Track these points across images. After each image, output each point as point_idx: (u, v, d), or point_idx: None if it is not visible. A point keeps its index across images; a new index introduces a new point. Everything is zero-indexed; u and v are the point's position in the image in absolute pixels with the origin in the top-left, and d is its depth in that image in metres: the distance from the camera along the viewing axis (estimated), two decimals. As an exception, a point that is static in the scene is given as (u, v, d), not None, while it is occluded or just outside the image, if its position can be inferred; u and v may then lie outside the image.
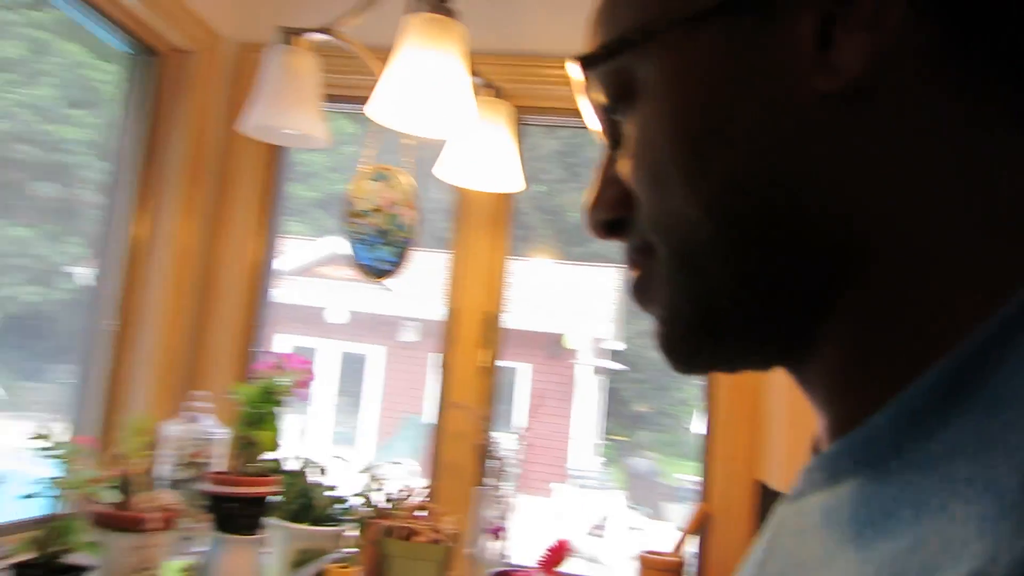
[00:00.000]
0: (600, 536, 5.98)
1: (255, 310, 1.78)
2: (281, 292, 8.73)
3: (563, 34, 1.72)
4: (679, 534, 1.52)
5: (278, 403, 1.34)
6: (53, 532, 1.01)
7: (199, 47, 1.71)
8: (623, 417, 13.00)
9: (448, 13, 1.19)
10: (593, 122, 0.41)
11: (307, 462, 1.43)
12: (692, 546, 1.55)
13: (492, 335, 1.77)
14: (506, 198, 1.75)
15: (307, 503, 1.36)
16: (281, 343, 9.30)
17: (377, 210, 1.39)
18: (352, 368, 9.79)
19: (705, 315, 0.35)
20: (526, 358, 9.59)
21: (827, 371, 0.34)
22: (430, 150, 1.40)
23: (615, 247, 0.40)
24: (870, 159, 0.31)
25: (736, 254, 0.34)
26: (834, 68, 0.31)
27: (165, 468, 1.40)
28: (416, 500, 1.58)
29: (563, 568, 1.46)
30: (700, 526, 1.56)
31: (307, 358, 1.48)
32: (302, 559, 1.30)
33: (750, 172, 0.33)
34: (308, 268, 9.41)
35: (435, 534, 1.43)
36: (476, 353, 1.76)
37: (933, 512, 0.25)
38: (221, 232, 1.76)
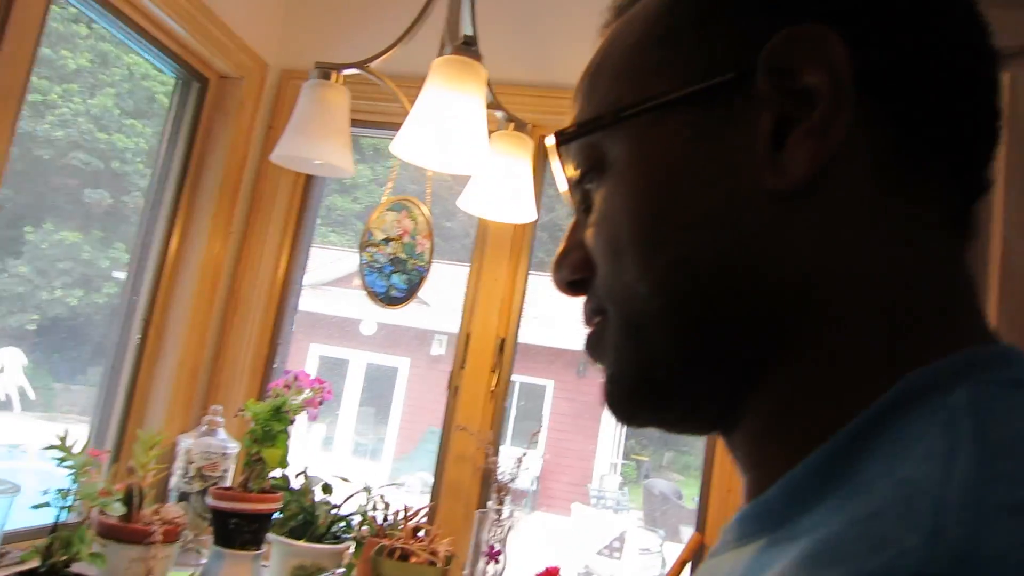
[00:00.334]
0: (616, 558, 5.94)
1: (277, 328, 1.84)
2: (316, 303, 8.86)
3: (585, 65, 1.75)
4: (675, 561, 1.53)
5: (289, 422, 1.38)
6: (59, 542, 1.06)
7: (245, 74, 1.78)
8: (646, 437, 12.89)
9: (473, 55, 1.23)
10: (564, 187, 0.43)
11: (312, 480, 1.46)
12: (687, 574, 1.56)
13: (503, 360, 1.80)
14: (526, 227, 1.78)
15: (309, 520, 1.39)
16: (314, 353, 9.44)
17: (394, 239, 1.43)
18: (381, 380, 9.88)
19: (646, 382, 0.38)
20: (552, 375, 9.58)
21: (749, 439, 0.37)
22: (460, 179, 1.45)
23: None
24: (807, 255, 0.34)
25: (679, 330, 0.36)
26: (783, 169, 0.34)
27: (177, 481, 1.44)
28: (415, 521, 1.61)
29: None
30: (694, 554, 1.57)
31: (322, 378, 1.51)
32: (300, 575, 1.33)
33: (698, 257, 0.36)
34: (345, 279, 9.55)
35: (430, 556, 1.45)
36: (486, 377, 1.78)
37: None
38: (249, 251, 1.82)
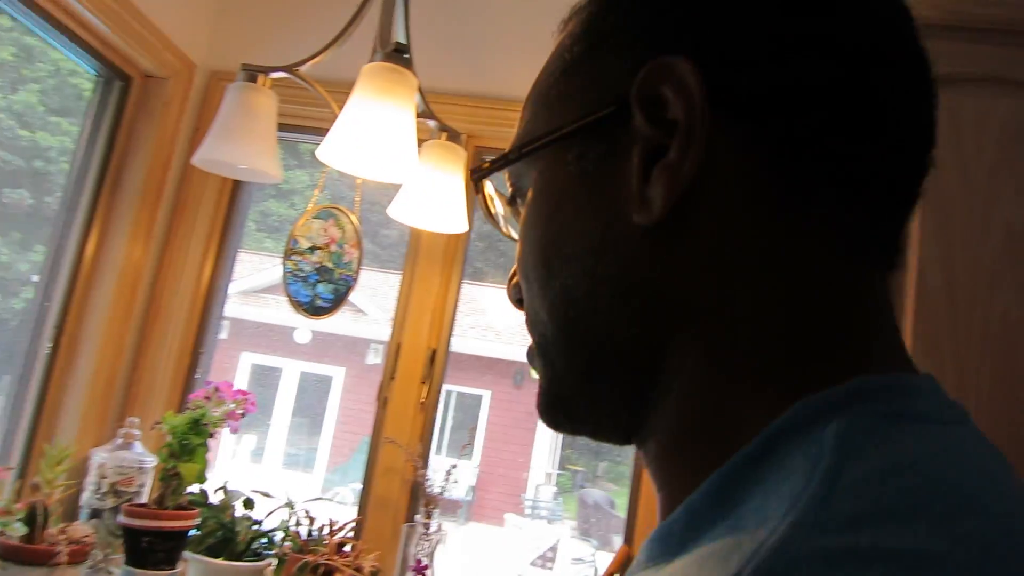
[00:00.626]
0: (549, 568, 5.95)
1: (200, 337, 1.78)
2: (249, 310, 8.65)
3: (524, 78, 1.76)
4: (603, 574, 1.54)
5: (208, 435, 1.33)
6: (-47, 565, 0.99)
7: (171, 74, 1.72)
8: (582, 447, 12.99)
9: (403, 63, 1.22)
10: (499, 209, 0.45)
11: (233, 495, 1.42)
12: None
13: (434, 371, 1.78)
14: (460, 237, 1.77)
15: (228, 537, 1.35)
16: (246, 362, 9.19)
17: (320, 248, 1.40)
18: (315, 389, 9.69)
19: (557, 397, 0.41)
20: (489, 385, 9.57)
21: (657, 458, 0.37)
22: (396, 186, 1.43)
23: None
24: (680, 288, 0.34)
25: (571, 354, 0.38)
26: (648, 204, 0.34)
27: (88, 497, 1.38)
28: (341, 536, 1.57)
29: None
30: (622, 567, 1.58)
31: (250, 388, 1.47)
32: (218, 595, 1.29)
33: (580, 287, 0.37)
34: (279, 286, 9.35)
35: (355, 572, 1.42)
36: (416, 388, 1.76)
37: None
38: (172, 257, 1.76)
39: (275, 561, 1.41)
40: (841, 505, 0.25)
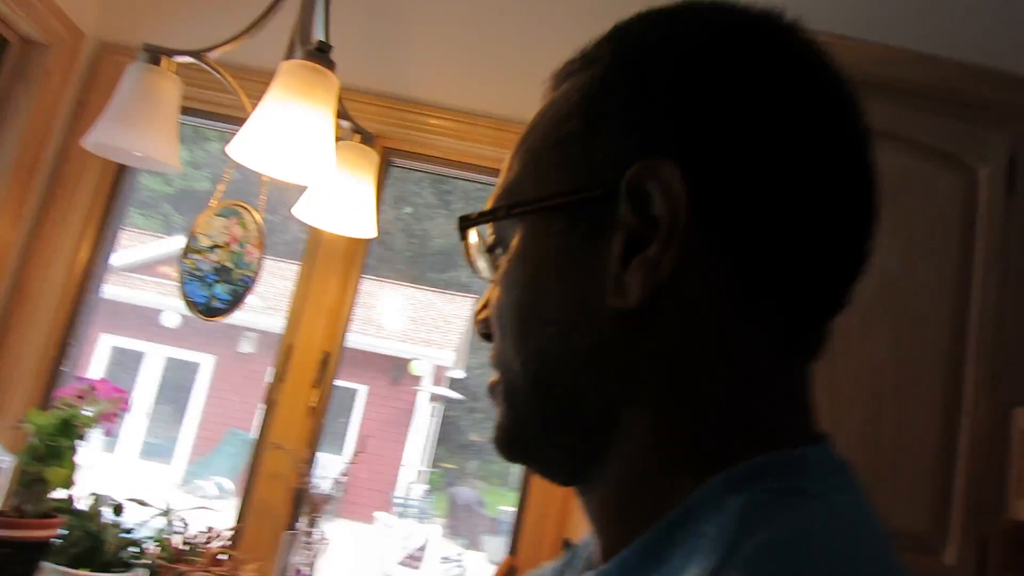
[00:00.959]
0: (416, 567, 5.92)
1: (71, 328, 1.65)
2: (113, 289, 8.08)
3: (441, 84, 1.75)
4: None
5: (79, 436, 1.24)
6: None
7: (54, 40, 1.58)
8: (454, 445, 13.03)
9: (327, 64, 1.18)
10: (469, 255, 0.47)
11: (101, 500, 1.32)
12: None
13: (326, 375, 1.73)
14: (361, 242, 1.73)
15: (95, 546, 1.26)
16: (105, 344, 8.58)
17: (221, 247, 1.33)
18: (180, 376, 9.18)
19: (516, 438, 0.44)
20: (366, 380, 9.42)
21: (597, 507, 0.42)
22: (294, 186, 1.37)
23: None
24: (634, 365, 0.39)
25: (538, 405, 0.42)
26: (624, 289, 0.38)
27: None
28: (218, 544, 1.50)
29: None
30: (505, 582, 1.59)
31: (113, 376, 1.37)
32: (81, 610, 1.20)
33: (551, 349, 0.40)
34: (148, 266, 8.78)
35: (236, 584, 1.36)
36: (307, 392, 1.71)
37: None
38: (44, 240, 1.62)
39: (146, 572, 1.33)
40: (737, 572, 0.31)
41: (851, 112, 0.41)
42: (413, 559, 5.92)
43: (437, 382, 10.50)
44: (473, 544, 7.74)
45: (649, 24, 0.42)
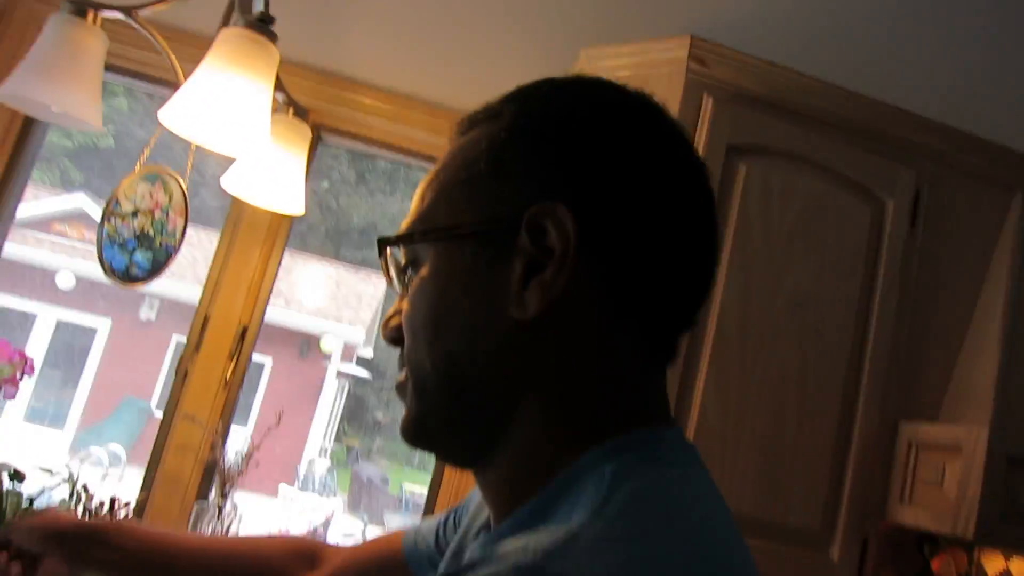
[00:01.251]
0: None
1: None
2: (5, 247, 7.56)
3: (379, 64, 1.73)
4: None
5: (-22, 399, 1.18)
6: None
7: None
8: (360, 422, 12.92)
9: (269, 36, 1.15)
10: (387, 271, 0.55)
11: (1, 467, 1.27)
12: None
13: (243, 348, 1.71)
14: (286, 217, 1.71)
15: (-6, 515, 1.21)
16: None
17: (143, 212, 1.29)
18: (74, 340, 8.72)
19: (423, 427, 0.52)
20: (271, 352, 9.20)
21: (493, 483, 0.51)
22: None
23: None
24: (535, 367, 0.48)
25: (445, 400, 0.50)
26: (523, 305, 0.46)
27: None
28: (123, 513, 1.47)
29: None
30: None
31: (18, 346, 1.32)
32: (-24, 580, 1.15)
33: (461, 353, 0.49)
34: (43, 223, 8.26)
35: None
36: (223, 364, 1.68)
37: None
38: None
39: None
40: (605, 517, 0.41)
41: (701, 177, 0.51)
42: (315, 533, 5.87)
43: (346, 359, 10.37)
44: (375, 520, 7.72)
45: (547, 92, 0.52)
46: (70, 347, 8.65)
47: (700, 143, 1.37)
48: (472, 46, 1.60)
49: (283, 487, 7.09)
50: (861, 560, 1.34)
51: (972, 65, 1.41)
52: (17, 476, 1.34)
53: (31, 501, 1.29)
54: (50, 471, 1.33)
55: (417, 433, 0.52)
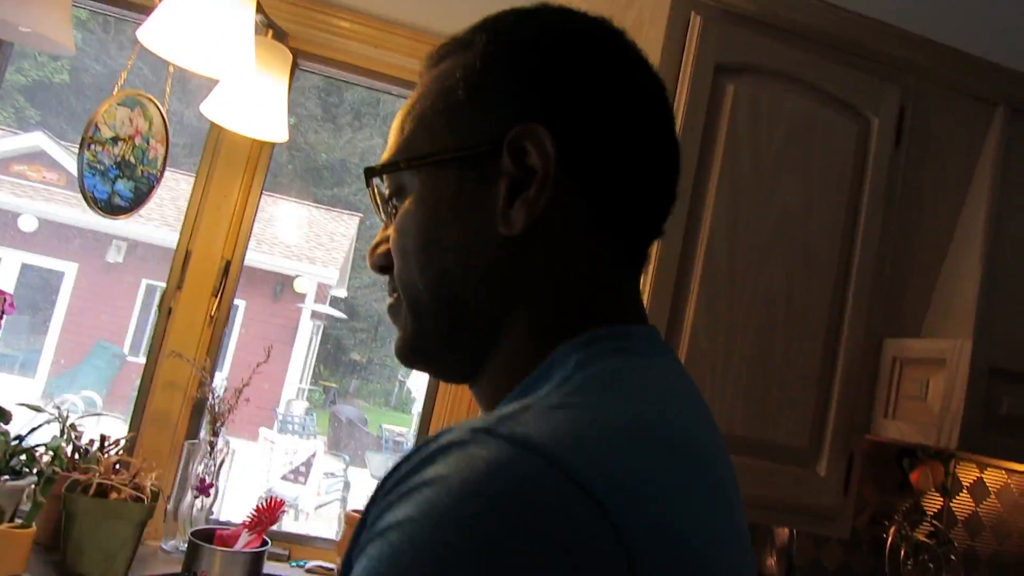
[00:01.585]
0: (301, 482, 5.94)
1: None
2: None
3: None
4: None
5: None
6: None
7: None
8: (336, 364, 12.94)
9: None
10: (375, 201, 0.57)
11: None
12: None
13: (227, 284, 1.68)
14: (266, 145, 1.66)
15: (-16, 453, 1.19)
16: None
17: (123, 139, 1.24)
18: (40, 285, 8.52)
19: (420, 347, 0.55)
20: (245, 296, 9.11)
21: (485, 388, 0.54)
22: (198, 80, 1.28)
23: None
24: (523, 278, 0.51)
25: (441, 316, 0.53)
26: (509, 221, 0.49)
27: None
28: (115, 452, 1.46)
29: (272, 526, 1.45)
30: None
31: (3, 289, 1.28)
32: (-28, 517, 1.15)
33: (453, 271, 0.52)
34: (1, 163, 7.97)
35: (134, 491, 1.33)
36: (207, 300, 1.66)
37: None
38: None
39: (39, 480, 1.28)
40: (560, 393, 0.44)
41: (662, 95, 0.55)
42: (297, 474, 5.93)
43: (320, 300, 10.31)
44: (356, 460, 7.81)
45: (515, 20, 0.54)
46: (36, 292, 8.48)
47: (688, 62, 1.35)
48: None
49: (263, 430, 7.12)
50: (847, 475, 1.38)
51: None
52: (2, 415, 1.32)
53: (19, 439, 1.28)
54: (38, 408, 1.31)
55: (415, 351, 0.55)
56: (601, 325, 0.50)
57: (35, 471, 1.30)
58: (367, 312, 12.25)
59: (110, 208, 1.26)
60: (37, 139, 8.35)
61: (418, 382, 9.03)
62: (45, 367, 8.27)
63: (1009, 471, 1.84)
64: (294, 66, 1.71)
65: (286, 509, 1.42)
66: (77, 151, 1.16)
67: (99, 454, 1.43)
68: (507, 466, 0.36)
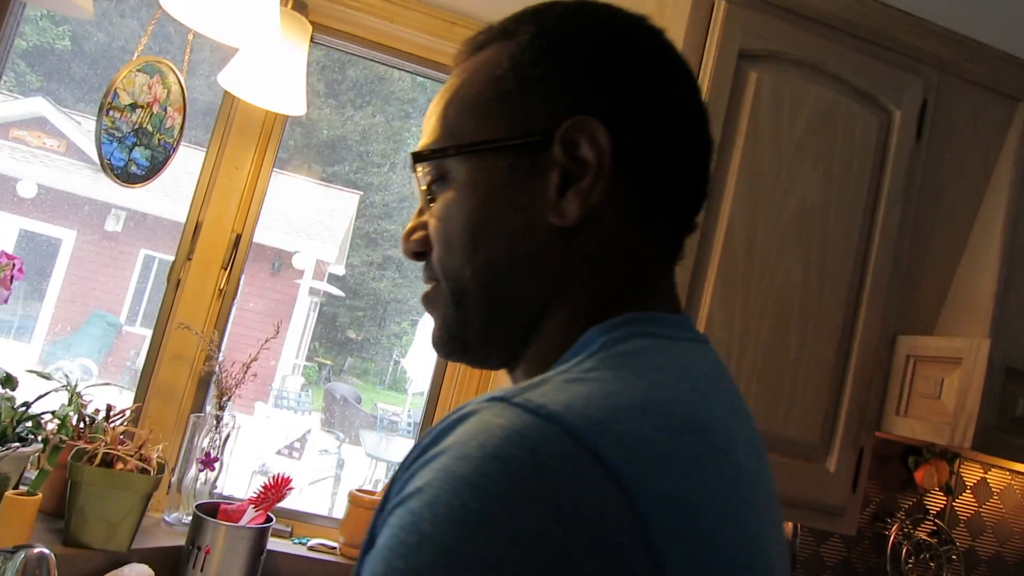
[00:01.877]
0: (296, 458, 5.95)
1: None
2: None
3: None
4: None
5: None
6: None
7: None
8: (332, 341, 12.93)
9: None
10: (417, 185, 0.57)
11: (-4, 372, 1.24)
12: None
13: (237, 257, 1.66)
14: (278, 116, 1.64)
15: (-9, 419, 1.18)
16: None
17: (142, 107, 1.21)
18: (37, 251, 8.47)
19: (461, 336, 0.55)
20: (244, 270, 9.07)
21: (525, 373, 0.54)
22: (215, 51, 1.26)
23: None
24: (571, 269, 0.51)
25: (485, 304, 0.53)
26: (561, 212, 0.50)
27: None
28: (121, 423, 1.45)
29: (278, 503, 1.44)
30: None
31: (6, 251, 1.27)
32: (-21, 483, 1.14)
33: (501, 260, 0.52)
34: (1, 128, 7.89)
35: (140, 463, 1.33)
36: (216, 273, 1.64)
37: None
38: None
39: (46, 448, 1.27)
40: (581, 367, 0.44)
41: (698, 91, 0.56)
42: (291, 450, 5.93)
43: (318, 277, 10.29)
44: (351, 438, 7.82)
45: (562, 14, 0.54)
46: (34, 258, 8.43)
47: (711, 48, 1.33)
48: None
49: (259, 405, 7.13)
50: (856, 471, 1.38)
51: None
52: (8, 382, 1.31)
53: (26, 406, 1.26)
54: (47, 376, 1.30)
55: (454, 340, 0.55)
56: (637, 309, 0.51)
57: (40, 438, 1.29)
58: (365, 291, 12.22)
59: (126, 176, 1.24)
60: (38, 105, 8.28)
61: (413, 362, 9.03)
62: (41, 333, 8.25)
63: (1013, 472, 1.84)
64: (311, 38, 1.68)
65: (293, 487, 1.41)
66: (96, 117, 1.13)
67: (105, 424, 1.42)
68: (522, 432, 0.37)
